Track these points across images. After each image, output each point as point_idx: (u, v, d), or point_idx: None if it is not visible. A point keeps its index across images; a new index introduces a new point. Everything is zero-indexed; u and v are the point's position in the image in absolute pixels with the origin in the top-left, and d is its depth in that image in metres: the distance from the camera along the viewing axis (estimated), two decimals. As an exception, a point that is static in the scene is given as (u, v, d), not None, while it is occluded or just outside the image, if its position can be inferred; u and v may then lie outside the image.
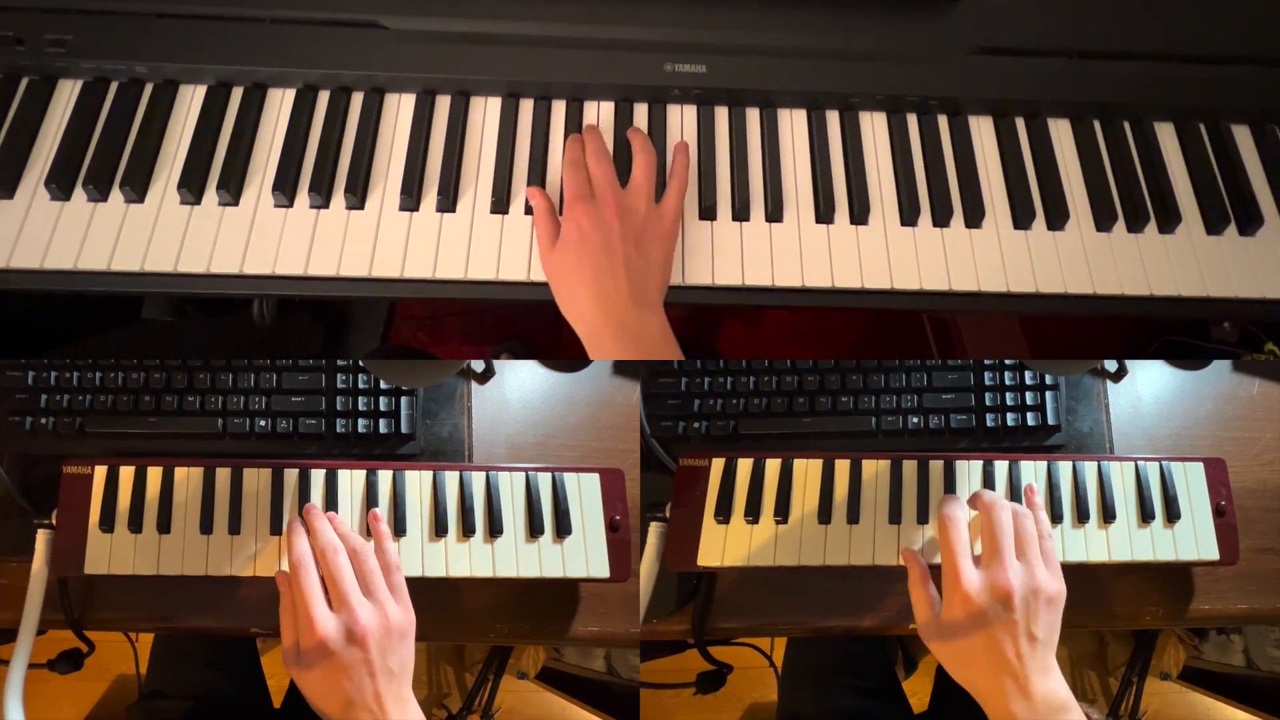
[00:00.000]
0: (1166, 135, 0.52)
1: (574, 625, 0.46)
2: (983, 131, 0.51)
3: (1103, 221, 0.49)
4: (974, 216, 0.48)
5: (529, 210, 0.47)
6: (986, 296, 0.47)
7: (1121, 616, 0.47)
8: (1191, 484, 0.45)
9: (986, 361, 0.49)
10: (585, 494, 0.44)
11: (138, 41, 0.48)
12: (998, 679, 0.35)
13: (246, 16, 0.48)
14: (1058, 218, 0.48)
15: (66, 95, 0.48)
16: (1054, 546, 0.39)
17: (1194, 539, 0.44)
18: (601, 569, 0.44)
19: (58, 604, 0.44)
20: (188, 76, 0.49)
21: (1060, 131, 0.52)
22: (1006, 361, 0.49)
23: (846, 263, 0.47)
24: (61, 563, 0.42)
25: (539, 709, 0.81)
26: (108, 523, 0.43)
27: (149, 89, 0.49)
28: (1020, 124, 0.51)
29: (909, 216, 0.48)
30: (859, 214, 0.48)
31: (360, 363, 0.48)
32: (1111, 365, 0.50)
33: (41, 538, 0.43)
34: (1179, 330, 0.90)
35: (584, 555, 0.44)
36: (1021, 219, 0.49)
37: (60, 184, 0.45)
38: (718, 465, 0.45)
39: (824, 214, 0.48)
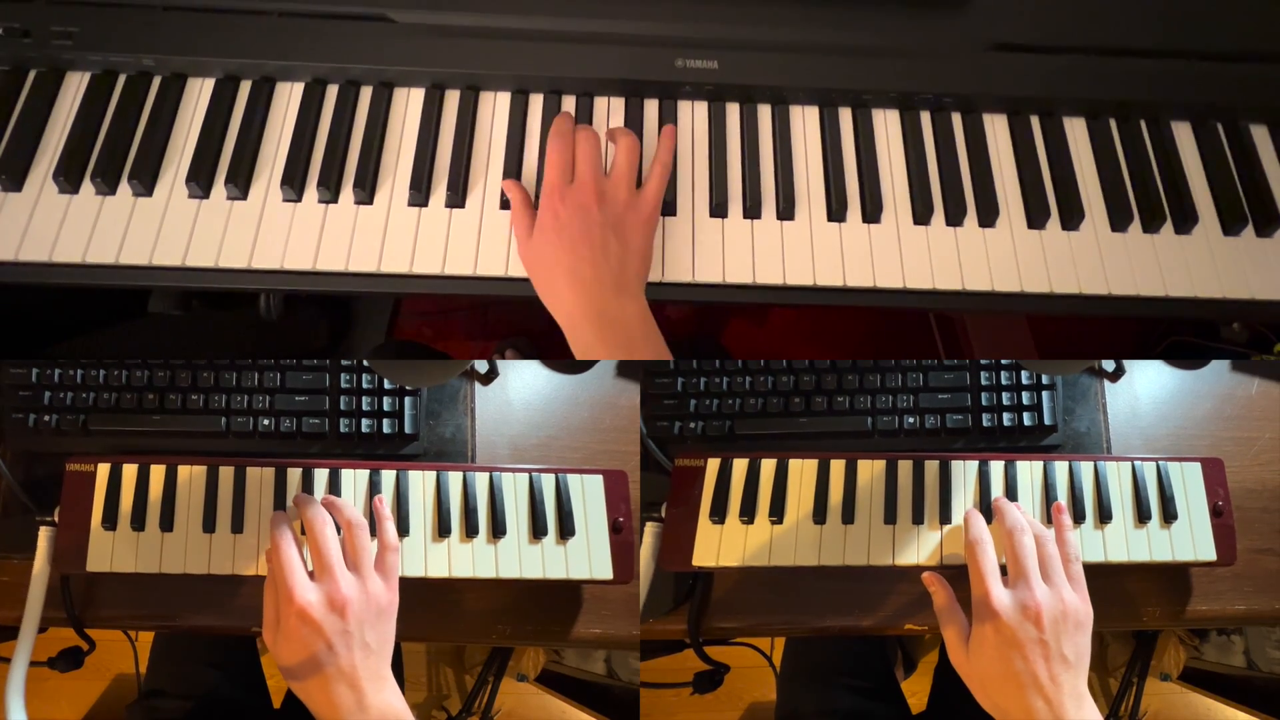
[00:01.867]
0: (1183, 134, 0.52)
1: (576, 627, 0.45)
2: (997, 129, 0.51)
3: (1118, 221, 0.48)
4: (988, 215, 0.48)
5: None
6: (1000, 296, 0.46)
7: (1118, 617, 0.46)
8: (1189, 484, 0.45)
9: (983, 361, 0.49)
10: (589, 495, 0.44)
11: (145, 34, 0.47)
12: (1029, 701, 0.34)
13: (254, 9, 0.48)
14: (1072, 217, 0.48)
15: (74, 88, 0.48)
16: (1081, 570, 0.38)
17: (1191, 539, 0.44)
18: (605, 571, 0.43)
19: (59, 602, 0.43)
20: (196, 69, 0.49)
21: (1075, 130, 0.51)
22: (1003, 361, 0.49)
23: (859, 261, 0.46)
24: (64, 560, 0.42)
25: (539, 711, 0.81)
26: (110, 520, 0.42)
27: (157, 82, 0.48)
28: (1035, 122, 0.51)
29: (922, 215, 0.48)
30: (871, 212, 0.47)
31: (364, 362, 0.48)
32: (1109, 365, 0.50)
33: (44, 535, 0.43)
34: (1188, 331, 0.89)
35: (587, 557, 0.43)
36: (1036, 218, 0.48)
37: (68, 177, 0.45)
38: (713, 465, 0.45)
39: (836, 212, 0.47)
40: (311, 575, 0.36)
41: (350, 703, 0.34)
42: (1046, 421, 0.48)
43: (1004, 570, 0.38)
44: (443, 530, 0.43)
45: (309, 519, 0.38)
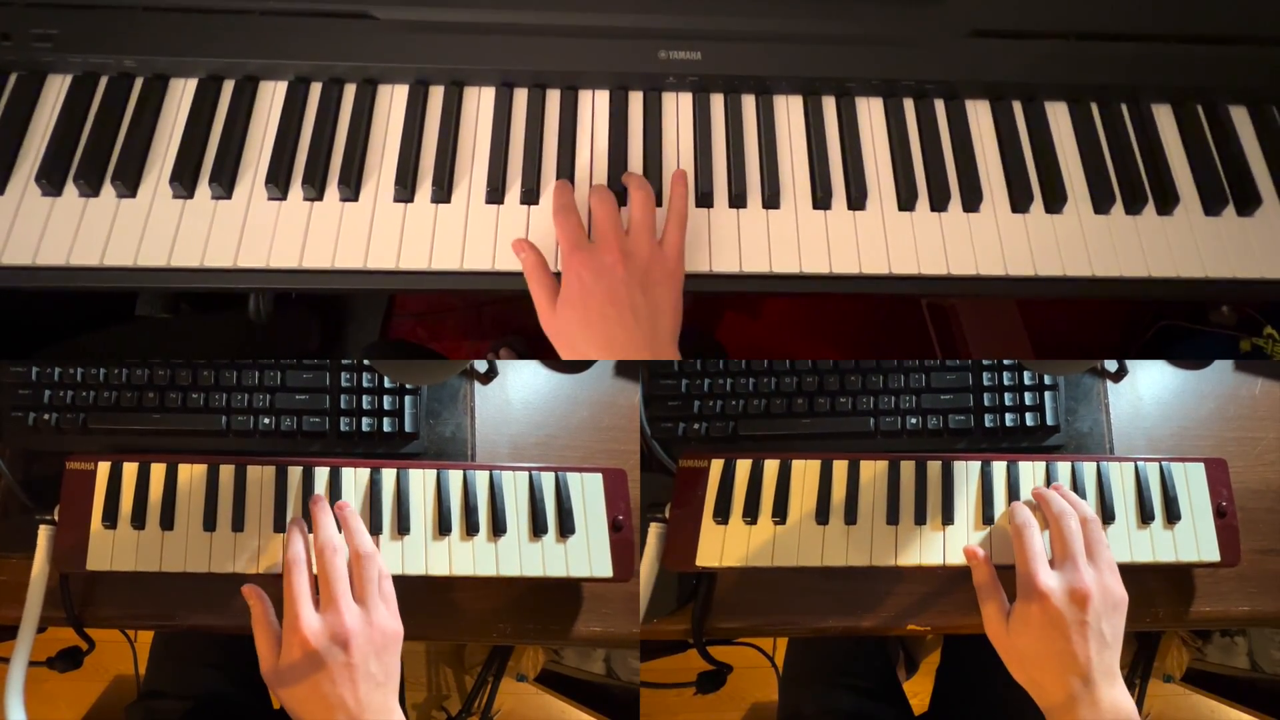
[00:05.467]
0: (1164, 117, 0.52)
1: (576, 625, 0.46)
2: (979, 115, 0.51)
3: (1101, 204, 0.49)
4: (971, 200, 0.48)
5: (525, 200, 0.47)
6: (985, 280, 0.46)
7: None
8: (1192, 484, 0.45)
9: (985, 362, 0.49)
10: (588, 494, 0.44)
11: (126, 35, 0.47)
12: (1065, 679, 0.35)
13: (236, 9, 0.48)
14: (1055, 201, 0.48)
15: (56, 90, 0.48)
16: (1112, 556, 0.39)
17: (1194, 540, 0.44)
18: (604, 569, 0.44)
19: (58, 601, 0.43)
20: (178, 70, 0.48)
21: (1057, 114, 0.51)
22: (1005, 362, 0.49)
23: (844, 248, 0.46)
24: (63, 559, 0.42)
25: (538, 711, 0.81)
26: (110, 519, 0.42)
27: (139, 83, 0.48)
28: (1017, 107, 0.51)
29: (906, 201, 0.48)
30: (856, 199, 0.48)
31: (364, 361, 0.48)
32: (1111, 365, 0.50)
33: (43, 534, 0.43)
34: (1177, 315, 0.90)
35: (587, 555, 0.44)
36: (1019, 202, 0.48)
37: (51, 180, 0.45)
38: (717, 466, 0.45)
39: (821, 200, 0.48)
40: (317, 603, 0.36)
41: None
42: (1049, 422, 0.48)
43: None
44: (443, 529, 0.43)
45: (320, 545, 0.38)
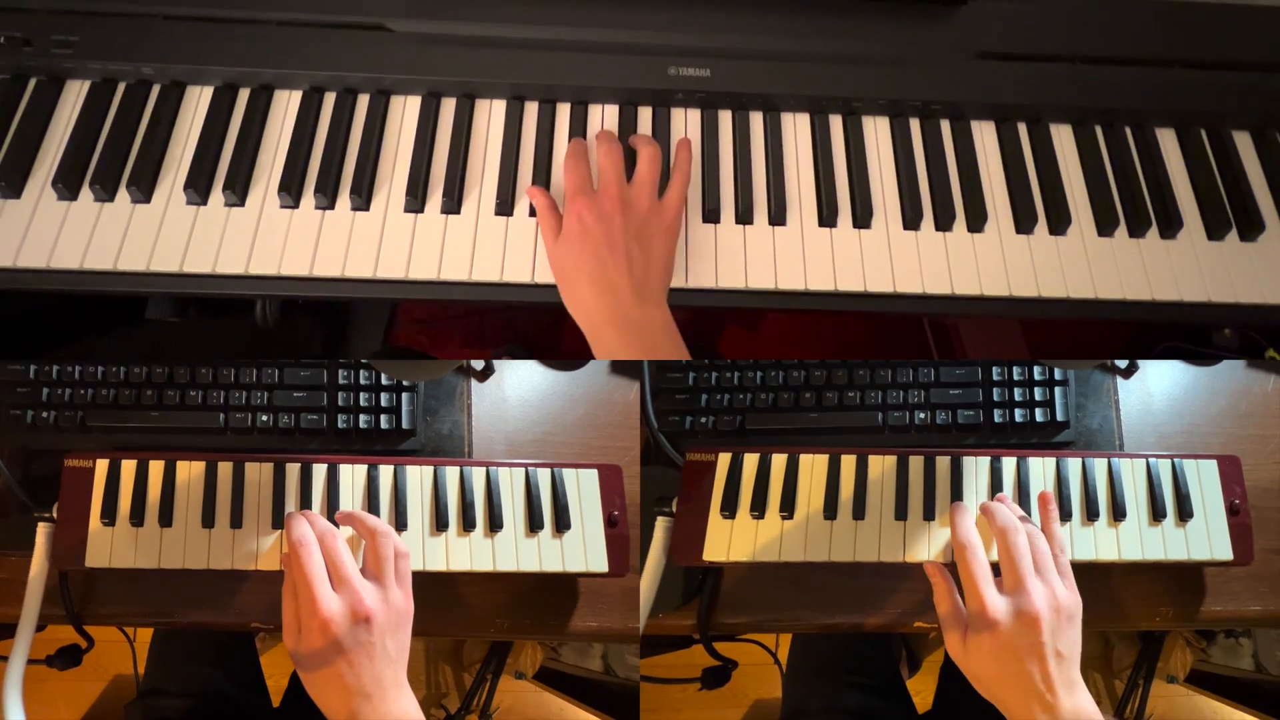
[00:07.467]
0: (1168, 141, 0.52)
1: (573, 621, 0.46)
2: (985, 136, 0.52)
3: (1105, 226, 0.49)
4: (976, 220, 0.48)
5: (533, 212, 0.47)
6: (989, 300, 0.47)
7: (1131, 617, 0.46)
8: (1205, 482, 0.44)
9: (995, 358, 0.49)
10: (584, 490, 0.45)
11: (144, 43, 0.48)
12: (1027, 700, 0.35)
13: (252, 19, 0.48)
14: (1060, 222, 0.49)
15: (74, 96, 0.49)
16: (1068, 560, 0.39)
17: (1207, 538, 0.43)
18: (600, 564, 0.44)
19: (58, 599, 0.44)
20: (194, 78, 0.49)
21: (1062, 136, 0.52)
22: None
23: (849, 266, 0.47)
24: (62, 556, 0.42)
25: (537, 708, 0.81)
26: (109, 516, 0.43)
27: (156, 90, 0.49)
28: (1022, 129, 0.52)
29: (911, 220, 0.48)
30: (862, 217, 0.48)
31: (362, 360, 0.48)
32: (1122, 362, 0.50)
33: (42, 531, 0.43)
34: (1180, 336, 0.90)
35: (583, 550, 0.44)
36: (1024, 223, 0.49)
37: (67, 184, 0.45)
38: (724, 460, 0.45)
39: (827, 217, 0.48)
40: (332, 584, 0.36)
41: (367, 712, 0.34)
42: (1059, 418, 0.47)
43: (994, 566, 0.39)
44: (440, 525, 0.44)
45: (318, 533, 0.38)
